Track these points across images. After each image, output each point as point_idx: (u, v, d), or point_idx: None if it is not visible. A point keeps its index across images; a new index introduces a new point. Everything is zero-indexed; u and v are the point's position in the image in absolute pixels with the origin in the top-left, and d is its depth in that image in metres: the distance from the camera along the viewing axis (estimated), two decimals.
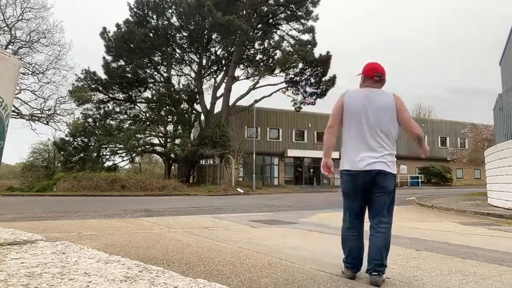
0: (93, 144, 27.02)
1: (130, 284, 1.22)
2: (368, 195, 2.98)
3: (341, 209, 3.17)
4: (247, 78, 31.76)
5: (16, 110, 23.10)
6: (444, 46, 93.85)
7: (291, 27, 31.11)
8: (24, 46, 23.73)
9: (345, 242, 3.05)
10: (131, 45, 27.15)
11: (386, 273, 2.93)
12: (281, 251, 4.08)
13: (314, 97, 31.17)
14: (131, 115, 30.24)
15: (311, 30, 30.66)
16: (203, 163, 33.71)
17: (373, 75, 3.09)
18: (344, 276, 2.99)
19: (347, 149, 3.04)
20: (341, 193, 3.11)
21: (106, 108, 29.29)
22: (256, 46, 30.88)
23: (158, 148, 31.96)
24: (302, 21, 30.58)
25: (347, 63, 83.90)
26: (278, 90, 30.90)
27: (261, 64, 30.86)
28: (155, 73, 31.08)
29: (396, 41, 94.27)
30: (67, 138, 26.29)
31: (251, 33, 27.78)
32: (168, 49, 30.30)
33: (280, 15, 31.11)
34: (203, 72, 31.72)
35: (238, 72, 31.36)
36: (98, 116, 28.54)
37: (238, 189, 23.57)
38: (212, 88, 31.91)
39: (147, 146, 30.59)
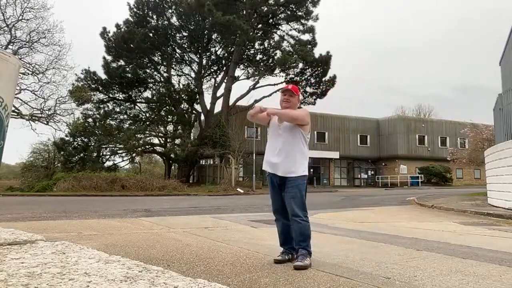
0: (93, 144, 27.04)
1: (130, 284, 1.22)
2: None
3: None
4: (247, 78, 31.75)
5: (16, 110, 23.08)
6: (444, 46, 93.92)
7: (291, 27, 31.12)
8: (24, 46, 23.70)
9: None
10: (131, 45, 27.15)
11: (386, 272, 3.12)
12: None
13: (314, 97, 31.20)
14: (131, 115, 30.26)
15: (311, 30, 30.66)
16: (203, 163, 33.70)
17: None
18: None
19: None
20: (305, 193, 3.50)
21: (106, 108, 29.33)
22: (256, 46, 30.89)
23: (158, 148, 31.97)
24: (302, 21, 30.58)
25: (347, 61, 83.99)
26: (278, 90, 30.87)
27: (261, 64, 30.86)
28: (155, 73, 31.09)
29: (396, 40, 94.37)
30: (67, 138, 26.31)
31: (251, 33, 27.77)
32: (168, 49, 30.29)
33: (280, 15, 31.10)
34: (203, 72, 31.71)
35: (238, 72, 31.40)
36: (98, 116, 28.55)
37: (238, 189, 23.56)
38: (212, 88, 31.91)
39: (147, 146, 30.59)
